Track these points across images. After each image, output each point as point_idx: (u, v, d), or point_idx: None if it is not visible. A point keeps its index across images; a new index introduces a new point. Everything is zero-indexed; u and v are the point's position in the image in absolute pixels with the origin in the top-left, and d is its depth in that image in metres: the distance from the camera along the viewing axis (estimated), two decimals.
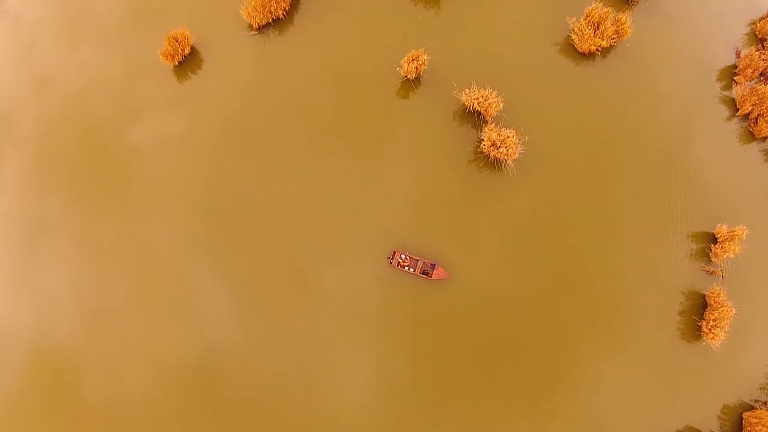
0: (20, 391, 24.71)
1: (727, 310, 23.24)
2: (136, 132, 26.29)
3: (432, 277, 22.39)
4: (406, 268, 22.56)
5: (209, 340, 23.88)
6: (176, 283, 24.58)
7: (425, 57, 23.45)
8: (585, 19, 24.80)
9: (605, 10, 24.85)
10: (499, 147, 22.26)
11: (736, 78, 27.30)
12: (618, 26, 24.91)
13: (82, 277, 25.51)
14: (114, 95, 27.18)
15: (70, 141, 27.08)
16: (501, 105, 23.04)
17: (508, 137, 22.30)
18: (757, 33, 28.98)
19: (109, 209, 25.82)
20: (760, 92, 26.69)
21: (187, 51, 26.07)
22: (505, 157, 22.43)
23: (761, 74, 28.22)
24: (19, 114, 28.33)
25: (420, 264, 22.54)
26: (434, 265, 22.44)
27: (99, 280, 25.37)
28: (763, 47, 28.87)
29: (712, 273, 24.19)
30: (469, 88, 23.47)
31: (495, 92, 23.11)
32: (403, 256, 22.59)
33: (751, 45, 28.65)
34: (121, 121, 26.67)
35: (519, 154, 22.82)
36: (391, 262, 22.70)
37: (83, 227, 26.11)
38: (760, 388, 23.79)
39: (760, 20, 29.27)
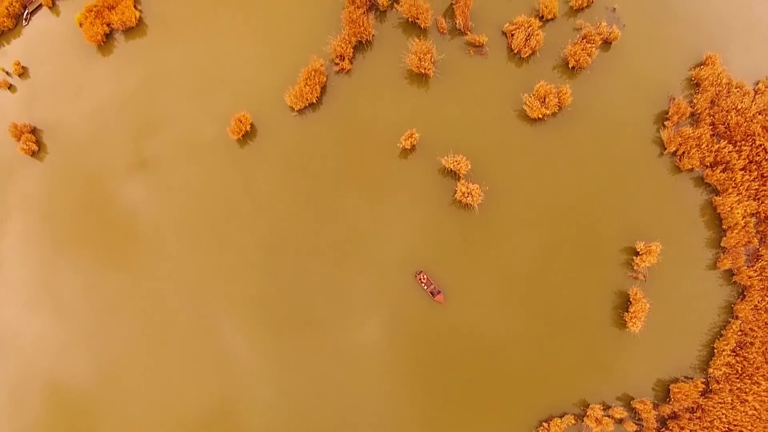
0: None
1: (643, 305, 31.97)
2: (187, 191, 36.43)
3: (435, 299, 32.50)
4: (423, 285, 32.67)
5: (225, 387, 32.00)
6: (193, 332, 32.79)
7: (417, 135, 33.70)
8: (534, 94, 33.38)
9: (549, 86, 33.30)
10: (467, 196, 31.98)
11: (665, 123, 34.60)
12: (560, 96, 33.27)
13: (97, 327, 33.44)
14: (192, 164, 37.25)
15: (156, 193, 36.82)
16: (469, 165, 32.72)
17: (473, 189, 32.01)
18: (693, 78, 35.50)
19: (139, 261, 34.99)
20: (684, 134, 33.93)
21: (247, 128, 36.71)
22: (472, 203, 32.22)
23: (691, 115, 35.17)
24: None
25: (432, 286, 32.59)
26: (440, 291, 32.47)
27: (114, 329, 33.05)
28: (696, 92, 35.46)
29: (636, 277, 32.87)
30: (447, 155, 33.36)
31: (465, 157, 32.83)
32: (424, 276, 32.74)
33: (687, 90, 35.21)
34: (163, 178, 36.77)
35: (482, 200, 32.43)
36: (416, 276, 32.86)
37: (97, 279, 34.52)
38: (691, 368, 32.20)
39: (696, 67, 35.64)
